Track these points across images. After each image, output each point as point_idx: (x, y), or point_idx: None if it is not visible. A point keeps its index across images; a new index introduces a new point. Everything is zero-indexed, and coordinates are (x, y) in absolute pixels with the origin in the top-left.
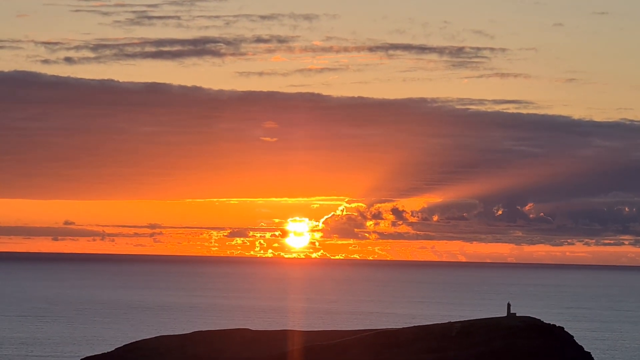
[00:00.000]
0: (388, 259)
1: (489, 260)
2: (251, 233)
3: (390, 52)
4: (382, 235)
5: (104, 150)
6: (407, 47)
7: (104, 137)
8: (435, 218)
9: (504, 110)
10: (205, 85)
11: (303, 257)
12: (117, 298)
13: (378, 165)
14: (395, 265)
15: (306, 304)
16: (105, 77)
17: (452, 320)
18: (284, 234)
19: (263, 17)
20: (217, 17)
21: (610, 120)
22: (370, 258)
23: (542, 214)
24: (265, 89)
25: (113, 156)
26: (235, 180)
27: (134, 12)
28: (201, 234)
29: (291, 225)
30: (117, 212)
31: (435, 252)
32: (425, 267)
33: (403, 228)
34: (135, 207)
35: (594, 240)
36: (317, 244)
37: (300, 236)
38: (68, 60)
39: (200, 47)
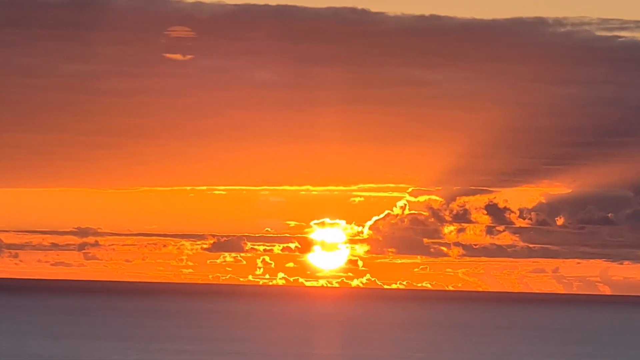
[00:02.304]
0: (480, 289)
1: None
2: (249, 245)
3: None
4: (470, 250)
5: None
6: None
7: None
8: (559, 221)
9: None
10: None
11: (336, 285)
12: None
13: (463, 132)
14: (494, 301)
15: None
16: None
17: None
18: (305, 246)
19: None
20: None
21: None
22: (451, 288)
23: None
24: (273, 2)
25: (15, 114)
26: (222, 156)
27: None
28: (165, 245)
29: (317, 231)
30: (23, 208)
31: (559, 279)
32: (544, 303)
33: (505, 237)
34: (53, 200)
35: None
36: (360, 262)
37: (331, 250)
38: None
39: None
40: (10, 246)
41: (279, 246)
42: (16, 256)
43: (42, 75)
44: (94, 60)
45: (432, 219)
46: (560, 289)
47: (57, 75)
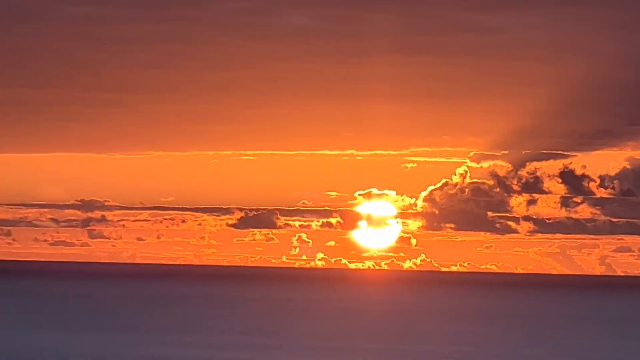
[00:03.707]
0: (555, 272)
1: None
2: (283, 220)
3: None
4: (543, 225)
5: None
6: None
7: None
8: None
9: None
10: None
11: (385, 267)
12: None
13: (534, 87)
14: (571, 285)
15: None
16: None
17: None
18: (348, 221)
19: None
20: None
21: None
22: (520, 270)
23: None
24: None
25: (5, 65)
26: (250, 115)
27: None
28: (184, 220)
29: (362, 204)
30: (16, 178)
31: None
32: (630, 288)
33: (584, 210)
34: (52, 168)
35: None
36: (413, 241)
37: (379, 226)
38: None
39: None
40: (1, 222)
41: (318, 221)
42: (8, 234)
43: (40, 20)
44: (100, 2)
45: (498, 189)
46: None
47: (57, 19)
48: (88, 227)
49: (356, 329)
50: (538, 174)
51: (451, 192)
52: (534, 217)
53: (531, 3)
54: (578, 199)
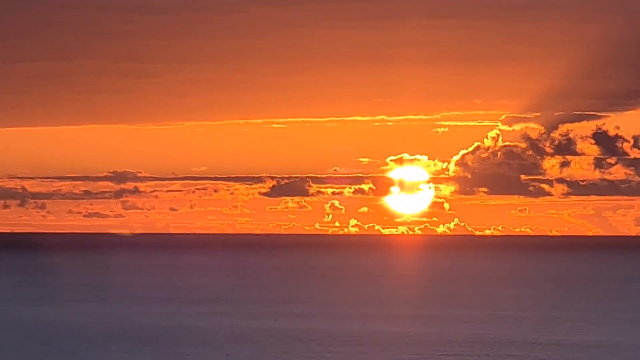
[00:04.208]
0: (590, 234)
1: None
2: (315, 187)
3: None
4: (577, 187)
5: (15, 25)
6: None
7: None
8: None
9: None
10: None
11: (419, 232)
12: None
13: (566, 48)
14: (607, 247)
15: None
16: None
17: None
18: (381, 187)
19: None
20: None
21: None
22: (555, 233)
23: None
24: None
25: (33, 37)
26: (280, 83)
27: None
28: (216, 190)
29: (394, 169)
30: (49, 151)
31: None
32: None
33: (618, 171)
34: (84, 140)
35: None
36: (446, 205)
37: (412, 191)
38: None
39: None
40: (35, 195)
41: (350, 188)
42: (43, 207)
43: None
44: None
45: (530, 152)
46: None
47: None
48: (121, 199)
49: (391, 295)
50: (571, 135)
51: (483, 155)
52: (568, 179)
53: None
54: (612, 160)
